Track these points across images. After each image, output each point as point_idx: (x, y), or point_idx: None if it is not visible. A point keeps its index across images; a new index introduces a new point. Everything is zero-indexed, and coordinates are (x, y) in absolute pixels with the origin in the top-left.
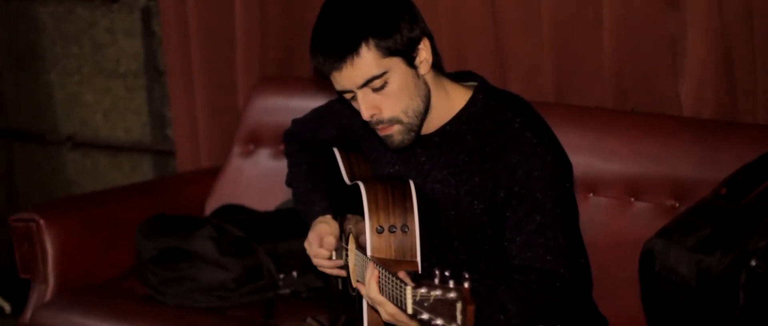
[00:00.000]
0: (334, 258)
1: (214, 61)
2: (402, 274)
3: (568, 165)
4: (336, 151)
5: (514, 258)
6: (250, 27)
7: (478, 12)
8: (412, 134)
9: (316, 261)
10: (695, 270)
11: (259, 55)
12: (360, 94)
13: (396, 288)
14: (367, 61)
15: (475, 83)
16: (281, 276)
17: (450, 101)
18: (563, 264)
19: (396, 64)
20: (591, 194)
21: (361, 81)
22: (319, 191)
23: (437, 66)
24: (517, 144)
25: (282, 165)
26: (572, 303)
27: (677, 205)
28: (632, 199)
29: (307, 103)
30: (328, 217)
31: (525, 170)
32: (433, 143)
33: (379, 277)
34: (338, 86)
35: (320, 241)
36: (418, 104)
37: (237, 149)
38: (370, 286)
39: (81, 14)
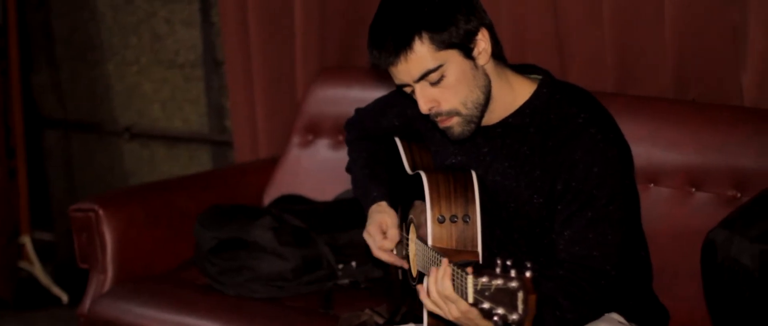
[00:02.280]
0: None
1: (272, 51)
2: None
3: (629, 161)
4: (398, 140)
5: (561, 252)
6: (309, 17)
7: (539, 2)
8: (473, 125)
9: (377, 253)
10: (758, 260)
11: (318, 45)
12: (417, 87)
13: (457, 278)
14: (421, 55)
15: (540, 76)
16: (340, 266)
17: (513, 93)
18: (611, 261)
19: (452, 57)
20: (651, 185)
21: (417, 75)
22: (376, 177)
23: (498, 56)
24: (580, 139)
25: (341, 156)
26: (630, 294)
27: (739, 195)
28: (693, 189)
29: (366, 93)
30: (384, 204)
31: (585, 166)
32: (496, 134)
33: (453, 275)
34: (396, 80)
35: (381, 232)
36: (477, 96)
37: (296, 140)
38: (443, 283)
39: (140, 5)
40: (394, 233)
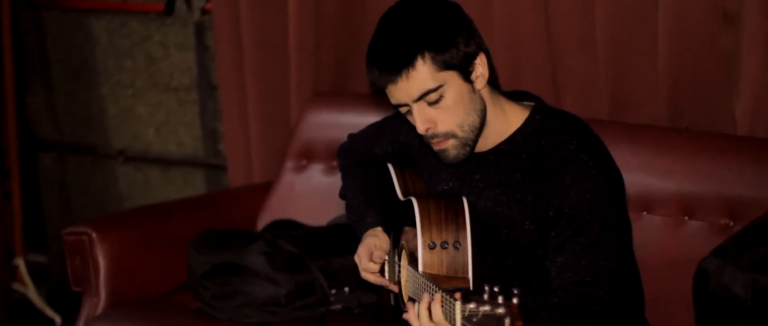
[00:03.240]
0: (385, 272)
1: (267, 76)
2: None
3: (621, 188)
4: (390, 167)
5: (554, 279)
6: (303, 42)
7: (533, 30)
8: (467, 148)
9: (364, 275)
10: (751, 289)
11: (312, 70)
12: (415, 107)
13: (445, 304)
14: (422, 74)
15: (532, 103)
16: (333, 291)
17: (506, 120)
18: (604, 287)
19: (452, 78)
20: (644, 213)
21: (416, 94)
22: (371, 204)
23: (493, 82)
24: (572, 166)
25: (334, 181)
26: (622, 322)
27: (731, 224)
28: (686, 218)
29: (360, 119)
30: (379, 230)
31: (578, 192)
32: (488, 161)
33: (442, 301)
34: (394, 100)
35: (370, 254)
36: (473, 119)
37: (289, 165)
38: (434, 310)
39: (135, 28)
40: (379, 255)
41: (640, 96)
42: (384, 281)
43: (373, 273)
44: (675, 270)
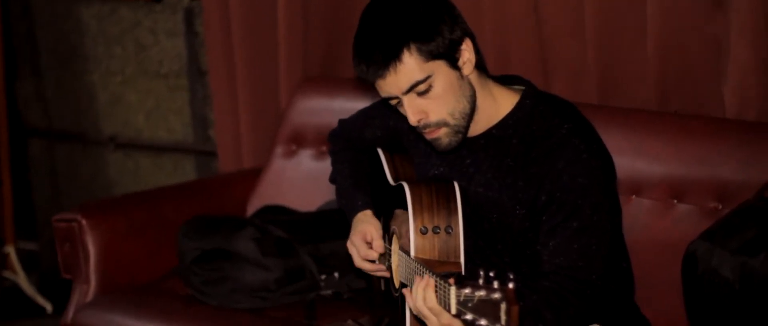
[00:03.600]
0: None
1: (256, 61)
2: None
3: (612, 172)
4: (380, 152)
5: (546, 263)
6: (292, 27)
7: (522, 14)
8: (460, 135)
9: (360, 263)
10: (739, 272)
11: (301, 55)
12: (406, 99)
13: (440, 289)
14: (410, 66)
15: (522, 87)
16: (323, 276)
17: (496, 104)
18: (596, 271)
19: (439, 67)
20: (634, 196)
21: (405, 87)
22: (361, 187)
23: (481, 66)
24: (563, 150)
25: (324, 166)
26: (612, 306)
27: (720, 207)
28: (675, 201)
29: (349, 103)
30: (369, 214)
31: (569, 177)
32: (479, 146)
33: (436, 286)
34: (383, 93)
35: (365, 242)
36: (464, 106)
37: (279, 150)
38: (427, 295)
39: (124, 15)
40: (379, 244)
41: (629, 80)
42: (379, 268)
43: (371, 260)
44: (664, 253)
